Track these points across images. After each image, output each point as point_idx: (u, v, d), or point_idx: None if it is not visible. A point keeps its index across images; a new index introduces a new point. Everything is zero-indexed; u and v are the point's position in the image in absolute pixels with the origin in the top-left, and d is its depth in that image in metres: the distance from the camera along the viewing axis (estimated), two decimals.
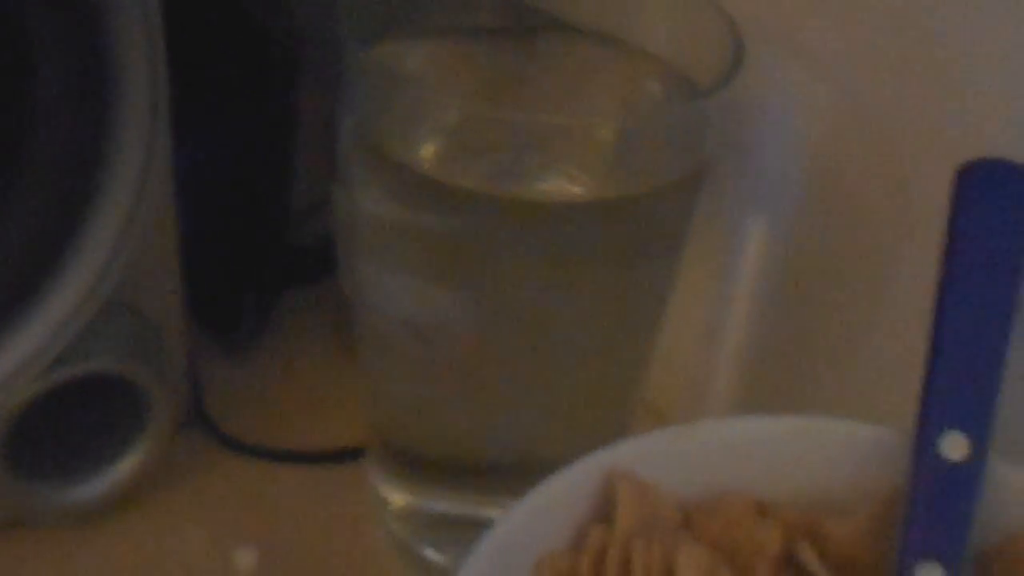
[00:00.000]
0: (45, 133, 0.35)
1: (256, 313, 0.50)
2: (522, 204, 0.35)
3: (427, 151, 0.35)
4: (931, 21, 0.35)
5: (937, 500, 0.31)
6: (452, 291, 0.37)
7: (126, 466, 0.42)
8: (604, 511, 0.31)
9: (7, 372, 0.37)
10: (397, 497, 0.43)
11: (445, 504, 0.42)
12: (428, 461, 0.42)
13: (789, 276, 0.43)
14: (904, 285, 0.38)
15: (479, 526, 0.41)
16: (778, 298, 0.43)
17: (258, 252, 0.49)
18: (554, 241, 0.35)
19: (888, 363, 0.39)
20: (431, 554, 0.42)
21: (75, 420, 0.41)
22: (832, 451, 0.33)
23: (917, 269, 0.36)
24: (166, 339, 0.41)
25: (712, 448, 0.33)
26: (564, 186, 0.35)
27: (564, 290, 0.37)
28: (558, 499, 0.31)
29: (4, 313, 0.37)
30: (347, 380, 0.48)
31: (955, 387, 0.31)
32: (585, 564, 0.30)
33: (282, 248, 0.49)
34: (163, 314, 0.41)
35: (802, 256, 0.42)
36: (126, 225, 0.37)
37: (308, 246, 0.50)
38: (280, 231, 0.48)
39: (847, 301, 0.41)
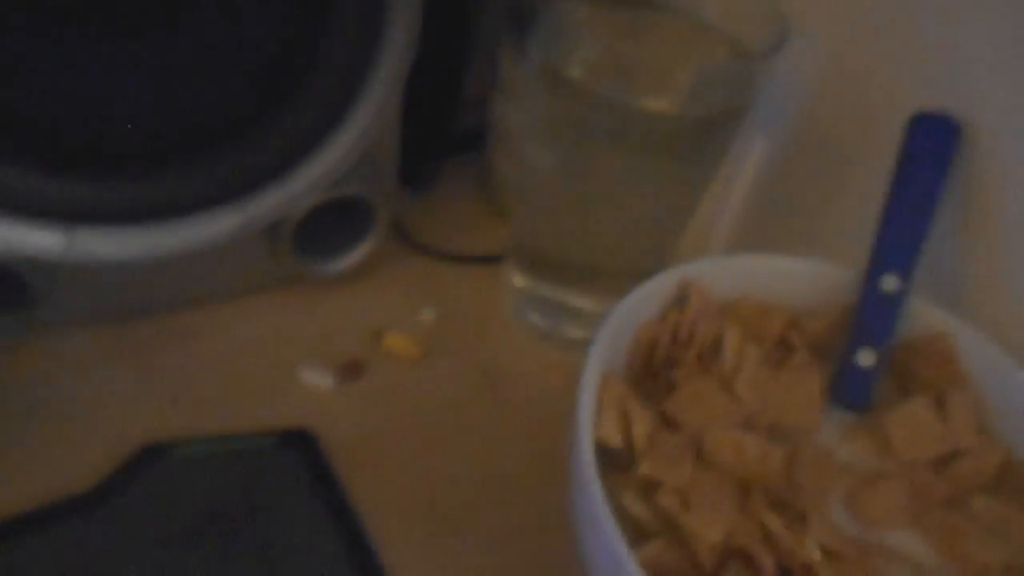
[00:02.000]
0: (339, 44, 0.33)
1: (433, 170, 0.48)
2: (629, 109, 0.33)
3: (577, 71, 0.33)
4: (899, 9, 0.33)
5: (875, 315, 0.30)
6: (564, 155, 0.36)
7: (359, 252, 0.41)
8: (677, 302, 0.31)
9: (304, 190, 0.36)
10: (519, 283, 0.42)
11: (546, 290, 0.41)
12: (538, 261, 0.41)
13: (781, 171, 0.41)
14: (857, 185, 0.37)
15: (564, 305, 0.42)
16: (775, 182, 0.41)
17: (436, 133, 0.47)
18: (645, 135, 0.34)
19: (845, 229, 0.38)
20: (535, 318, 0.42)
21: (335, 221, 0.40)
22: (811, 279, 0.32)
23: (867, 175, 0.35)
24: (386, 179, 0.40)
25: (739, 271, 0.32)
26: (656, 103, 0.33)
27: (640, 166, 0.35)
28: (652, 292, 0.30)
29: (306, 155, 0.36)
30: (485, 213, 0.48)
31: (894, 247, 0.30)
32: (666, 332, 0.30)
33: (451, 131, 0.47)
34: (386, 163, 0.39)
35: (789, 161, 0.40)
36: (383, 108, 0.35)
37: (468, 130, 0.48)
38: (450, 120, 0.47)
39: (819, 190, 0.39)
